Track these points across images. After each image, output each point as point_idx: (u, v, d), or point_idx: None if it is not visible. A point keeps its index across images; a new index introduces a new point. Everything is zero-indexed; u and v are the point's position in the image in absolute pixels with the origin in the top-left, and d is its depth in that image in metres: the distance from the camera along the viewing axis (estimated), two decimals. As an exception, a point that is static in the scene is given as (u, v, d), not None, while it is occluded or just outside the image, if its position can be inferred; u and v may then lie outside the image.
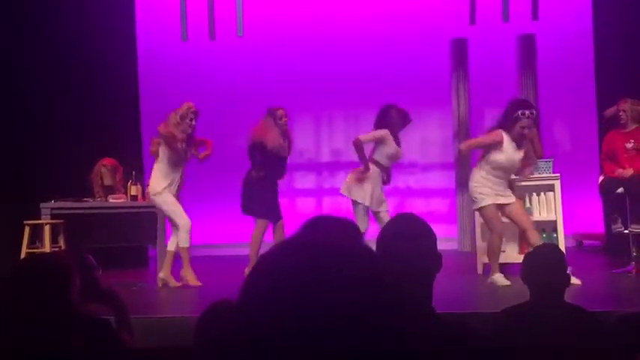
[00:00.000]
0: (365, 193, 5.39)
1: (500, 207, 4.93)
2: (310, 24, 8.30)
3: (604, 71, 7.63)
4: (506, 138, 4.79)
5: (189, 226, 5.20)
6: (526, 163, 4.95)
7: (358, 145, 5.40)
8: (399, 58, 8.20)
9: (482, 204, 4.87)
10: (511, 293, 4.37)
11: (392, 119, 5.48)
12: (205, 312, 1.63)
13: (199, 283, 5.15)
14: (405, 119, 5.58)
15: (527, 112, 4.75)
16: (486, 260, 5.75)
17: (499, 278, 4.80)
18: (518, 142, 4.82)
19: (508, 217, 4.98)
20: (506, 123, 4.81)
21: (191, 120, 5.23)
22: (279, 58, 8.34)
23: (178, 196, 5.35)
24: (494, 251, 4.89)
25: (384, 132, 5.44)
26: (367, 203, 5.38)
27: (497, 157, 4.81)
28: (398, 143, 5.56)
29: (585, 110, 7.89)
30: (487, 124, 7.90)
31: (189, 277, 5.19)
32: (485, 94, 7.81)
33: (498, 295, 4.50)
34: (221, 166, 7.60)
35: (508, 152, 4.81)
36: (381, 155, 5.50)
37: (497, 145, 4.79)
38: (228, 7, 7.24)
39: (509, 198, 4.92)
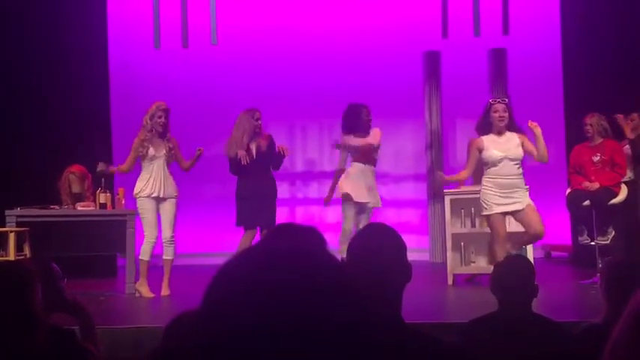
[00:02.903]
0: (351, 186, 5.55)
1: (512, 213, 4.97)
2: (284, 34, 8.32)
3: (572, 85, 7.80)
4: (486, 138, 4.97)
5: (149, 239, 5.26)
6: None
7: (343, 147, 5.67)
8: (372, 70, 8.26)
9: (488, 212, 4.93)
10: (480, 304, 4.41)
11: (351, 120, 5.67)
12: (172, 321, 1.60)
13: (152, 295, 5.22)
14: (358, 115, 5.67)
15: (497, 99, 5.14)
16: (457, 271, 5.80)
17: None
18: (501, 128, 4.95)
19: (520, 223, 5.02)
20: (484, 121, 5.04)
21: (160, 117, 5.24)
22: (253, 67, 8.33)
23: (170, 201, 5.34)
24: (495, 259, 4.89)
25: (345, 140, 5.66)
26: (356, 199, 5.52)
27: (486, 154, 4.93)
28: (363, 136, 5.65)
29: (554, 123, 8.03)
30: (459, 136, 8.04)
31: (142, 289, 5.25)
32: (457, 106, 7.91)
33: (467, 305, 4.53)
34: (195, 174, 7.54)
35: (496, 146, 4.94)
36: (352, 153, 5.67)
37: (481, 148, 4.95)
38: (201, 15, 7.21)
39: (516, 205, 4.92)
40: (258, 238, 5.58)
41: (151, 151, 5.25)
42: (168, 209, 5.30)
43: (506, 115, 4.98)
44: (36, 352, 1.86)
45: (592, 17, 7.59)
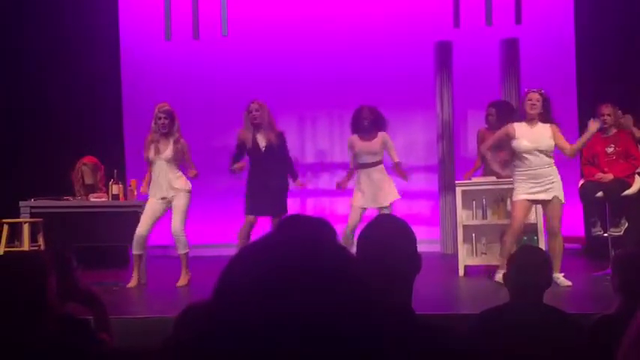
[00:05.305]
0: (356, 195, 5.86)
1: (542, 202, 5.01)
2: (295, 25, 8.29)
3: (585, 75, 7.72)
4: (519, 126, 4.98)
5: (136, 235, 5.40)
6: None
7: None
8: (384, 60, 8.22)
9: (514, 197, 4.99)
10: (491, 295, 4.40)
11: (352, 122, 5.88)
12: (182, 312, 1.62)
13: (134, 284, 5.43)
14: (357, 117, 5.82)
15: (533, 89, 5.12)
16: (468, 263, 5.79)
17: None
18: (532, 116, 4.95)
19: (545, 214, 5.07)
20: (521, 110, 5.08)
21: (159, 119, 5.31)
22: (264, 58, 8.32)
23: (173, 203, 5.40)
24: (506, 247, 4.91)
25: (348, 141, 5.95)
26: (358, 204, 5.81)
27: (516, 144, 4.95)
28: (367, 139, 5.75)
29: (567, 114, 7.96)
30: (470, 127, 8.00)
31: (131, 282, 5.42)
32: (468, 96, 7.85)
33: (478, 296, 4.53)
34: (205, 165, 7.57)
35: (527, 136, 4.93)
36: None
37: (511, 135, 4.97)
38: (212, 6, 7.21)
39: (544, 194, 4.92)
40: (262, 228, 5.65)
41: (151, 153, 5.38)
42: (175, 203, 5.37)
43: (539, 104, 4.97)
44: (50, 342, 1.88)
45: (605, 6, 7.50)
